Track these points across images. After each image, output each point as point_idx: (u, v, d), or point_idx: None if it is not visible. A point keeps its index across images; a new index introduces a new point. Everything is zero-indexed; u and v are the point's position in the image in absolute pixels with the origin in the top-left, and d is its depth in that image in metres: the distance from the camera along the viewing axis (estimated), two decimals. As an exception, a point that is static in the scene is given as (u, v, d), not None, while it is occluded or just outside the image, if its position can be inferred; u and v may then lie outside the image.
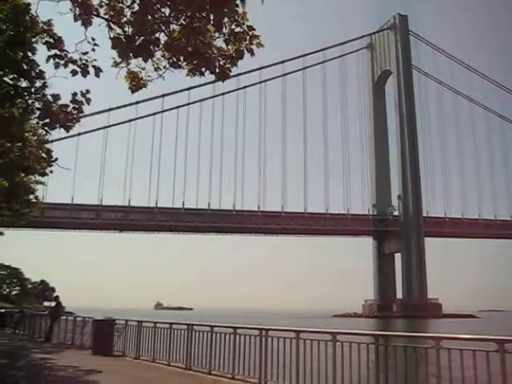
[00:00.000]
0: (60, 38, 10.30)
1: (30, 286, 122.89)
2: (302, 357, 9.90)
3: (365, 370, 8.72)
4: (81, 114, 11.48)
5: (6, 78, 11.44)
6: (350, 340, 9.30)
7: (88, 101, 11.19)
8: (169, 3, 7.03)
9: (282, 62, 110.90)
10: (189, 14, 7.01)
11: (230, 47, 7.25)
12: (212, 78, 7.72)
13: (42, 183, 24.61)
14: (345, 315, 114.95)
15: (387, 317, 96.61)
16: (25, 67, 11.37)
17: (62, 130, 11.80)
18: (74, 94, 11.03)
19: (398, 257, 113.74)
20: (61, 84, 10.81)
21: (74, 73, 9.37)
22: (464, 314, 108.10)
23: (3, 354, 16.25)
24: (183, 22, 7.16)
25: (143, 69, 7.72)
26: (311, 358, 9.72)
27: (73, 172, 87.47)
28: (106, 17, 7.47)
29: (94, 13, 7.51)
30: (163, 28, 7.22)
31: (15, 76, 11.47)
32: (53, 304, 24.22)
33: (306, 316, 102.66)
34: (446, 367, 7.75)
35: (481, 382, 7.27)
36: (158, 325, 14.96)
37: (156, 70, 7.60)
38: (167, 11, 7.10)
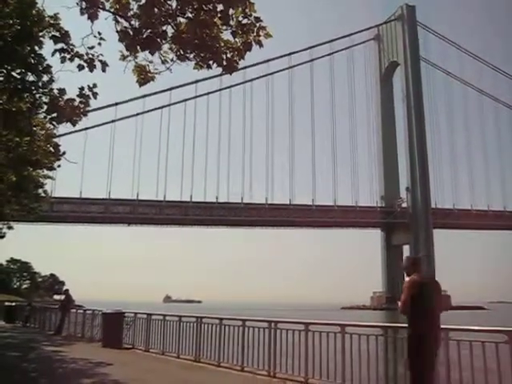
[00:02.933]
0: (66, 32, 10.31)
1: (39, 279, 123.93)
2: (311, 349, 9.92)
3: (374, 361, 8.73)
4: (88, 108, 11.49)
5: (13, 73, 11.46)
6: (359, 332, 9.31)
7: (95, 95, 11.20)
8: (175, -5, 7.02)
9: (289, 54, 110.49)
10: (195, 7, 6.99)
11: (237, 39, 7.21)
12: (219, 70, 7.70)
13: (50, 177, 24.71)
14: (353, 307, 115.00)
15: (396, 309, 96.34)
16: (32, 61, 11.38)
17: (70, 124, 11.84)
18: (81, 89, 11.04)
19: (406, 248, 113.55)
20: (68, 78, 10.84)
21: (80, 67, 9.40)
22: (473, 306, 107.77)
23: (15, 347, 16.41)
24: (190, 15, 7.14)
25: (150, 62, 7.71)
26: (320, 350, 9.74)
27: (81, 166, 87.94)
28: (113, 10, 7.47)
29: (101, 6, 7.51)
30: (170, 21, 7.20)
31: (23, 70, 11.49)
32: (63, 297, 24.38)
33: (315, 308, 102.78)
34: (455, 359, 7.73)
35: (490, 374, 7.25)
36: (167, 317, 15.03)
37: (163, 62, 7.59)
38: (174, 4, 7.09)
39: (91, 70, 9.25)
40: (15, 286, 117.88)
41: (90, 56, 9.22)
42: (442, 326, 7.18)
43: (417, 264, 7.00)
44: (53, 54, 9.65)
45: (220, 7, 6.94)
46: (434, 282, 6.97)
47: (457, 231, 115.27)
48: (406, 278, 6.77)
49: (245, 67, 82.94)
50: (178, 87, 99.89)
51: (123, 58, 7.71)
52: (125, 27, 7.43)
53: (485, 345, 7.49)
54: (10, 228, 30.25)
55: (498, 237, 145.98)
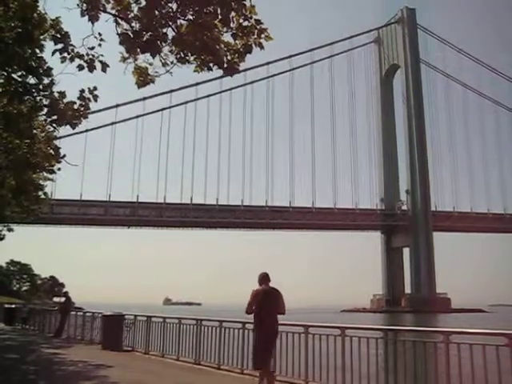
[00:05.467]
0: (66, 32, 10.31)
1: (39, 281, 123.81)
2: (311, 351, 9.91)
3: (374, 364, 8.72)
4: (88, 111, 11.50)
5: (14, 75, 11.47)
6: (359, 334, 9.30)
7: (95, 97, 11.21)
8: (176, -2, 7.03)
9: (290, 56, 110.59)
10: (196, 9, 7.00)
11: (237, 42, 7.22)
12: (220, 72, 7.71)
13: (50, 180, 24.70)
14: (353, 310, 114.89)
15: (396, 311, 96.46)
16: (33, 64, 11.39)
17: (70, 126, 11.85)
18: (82, 91, 11.05)
19: (406, 251, 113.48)
20: (69, 80, 10.86)
21: (80, 67, 9.39)
22: (473, 309, 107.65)
23: (14, 349, 16.39)
24: (190, 17, 7.15)
25: (151, 64, 7.72)
26: (320, 353, 9.73)
27: (81, 168, 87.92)
28: (113, 12, 7.47)
29: (101, 8, 7.52)
30: (170, 23, 7.21)
31: (23, 73, 11.50)
32: (62, 300, 24.35)
33: (315, 311, 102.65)
34: (455, 361, 7.72)
35: (491, 377, 7.24)
36: (166, 320, 15.01)
37: (164, 65, 7.60)
38: (174, 6, 7.10)
39: (91, 71, 9.24)
40: (15, 288, 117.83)
41: (91, 57, 9.22)
42: (442, 329, 7.21)
43: (266, 277, 9.23)
44: (53, 54, 9.64)
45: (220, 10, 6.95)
46: (275, 291, 9.08)
47: (457, 234, 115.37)
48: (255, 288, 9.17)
49: (245, 69, 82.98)
50: (178, 89, 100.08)
51: (123, 59, 7.72)
52: (125, 29, 7.44)
53: (485, 347, 7.48)
54: (9, 230, 30.25)
55: (498, 240, 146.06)
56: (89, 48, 9.00)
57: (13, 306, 32.49)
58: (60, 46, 9.84)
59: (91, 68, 9.28)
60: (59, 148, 16.56)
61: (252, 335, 10.19)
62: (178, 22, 7.19)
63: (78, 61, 9.48)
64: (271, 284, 9.23)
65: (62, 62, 9.66)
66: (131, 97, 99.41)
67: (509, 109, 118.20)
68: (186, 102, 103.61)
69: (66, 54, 9.66)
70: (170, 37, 7.32)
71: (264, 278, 9.26)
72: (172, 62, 7.55)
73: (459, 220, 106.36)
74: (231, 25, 7.02)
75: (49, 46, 10.78)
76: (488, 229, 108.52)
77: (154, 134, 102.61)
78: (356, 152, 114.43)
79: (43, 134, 15.13)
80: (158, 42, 7.27)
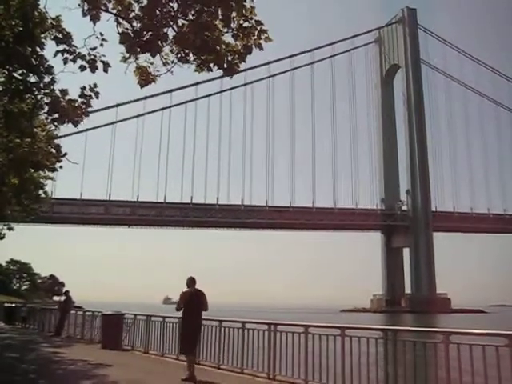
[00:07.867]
0: (69, 33, 10.33)
1: (39, 280, 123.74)
2: (311, 351, 9.91)
3: (374, 364, 8.71)
4: (89, 109, 11.49)
5: (15, 74, 11.46)
6: (359, 335, 9.30)
7: (97, 95, 11.20)
8: (176, -2, 7.03)
9: (290, 56, 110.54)
10: (197, 9, 6.99)
11: (238, 42, 7.22)
12: (220, 72, 7.71)
13: (51, 178, 24.70)
14: (353, 310, 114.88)
15: (396, 312, 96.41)
16: (34, 62, 11.38)
17: (71, 125, 11.83)
18: (83, 89, 11.04)
19: (406, 251, 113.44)
20: (70, 78, 10.85)
21: (82, 68, 9.40)
22: (473, 309, 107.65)
23: (14, 348, 16.39)
24: (191, 17, 7.15)
25: (152, 63, 7.72)
26: (320, 353, 9.73)
27: (81, 167, 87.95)
28: (114, 12, 7.48)
29: (103, 8, 7.52)
30: (171, 23, 7.21)
31: (24, 71, 11.49)
32: (62, 299, 24.35)
33: (315, 311, 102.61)
34: (455, 362, 7.72)
35: (490, 377, 7.24)
36: (166, 319, 15.00)
37: (165, 64, 7.60)
38: (175, 6, 7.10)
39: (93, 71, 9.25)
40: (15, 288, 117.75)
41: (92, 57, 9.22)
42: (442, 330, 7.22)
43: (193, 281, 11.02)
44: (55, 55, 9.65)
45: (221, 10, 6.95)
46: (200, 292, 10.97)
47: (457, 234, 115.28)
48: (184, 289, 10.98)
49: (246, 69, 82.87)
50: (178, 89, 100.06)
51: (124, 59, 7.71)
52: (126, 29, 7.44)
53: (485, 348, 7.47)
54: (10, 229, 30.24)
55: (498, 240, 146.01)
56: (91, 48, 9.01)
57: (13, 304, 32.49)
58: (62, 47, 9.85)
59: (93, 68, 9.28)
60: (60, 147, 16.57)
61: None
62: (179, 21, 7.19)
63: (80, 61, 9.49)
64: (197, 286, 11.02)
65: (65, 63, 9.66)
66: (131, 96, 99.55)
67: (509, 109, 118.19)
68: (187, 102, 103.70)
69: (68, 55, 9.67)
70: (170, 37, 7.32)
71: (192, 281, 11.02)
72: (173, 62, 7.55)
73: (459, 220, 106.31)
74: (232, 25, 7.02)
75: (50, 44, 10.79)
76: (488, 229, 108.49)
77: (155, 133, 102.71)
78: (356, 152, 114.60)
79: (44, 133, 15.12)
80: (159, 42, 7.27)
